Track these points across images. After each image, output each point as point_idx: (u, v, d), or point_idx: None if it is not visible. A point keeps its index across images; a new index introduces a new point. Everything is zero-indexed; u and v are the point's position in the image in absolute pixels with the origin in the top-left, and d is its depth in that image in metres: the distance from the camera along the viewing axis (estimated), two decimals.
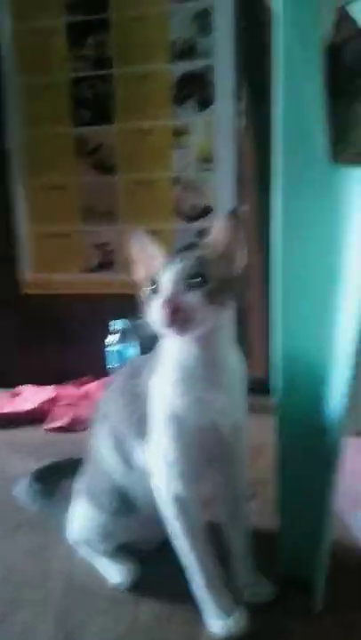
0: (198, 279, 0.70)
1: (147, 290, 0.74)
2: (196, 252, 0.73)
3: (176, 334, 0.70)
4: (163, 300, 0.69)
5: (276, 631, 0.78)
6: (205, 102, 1.75)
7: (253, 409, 0.99)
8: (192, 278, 0.70)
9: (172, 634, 0.79)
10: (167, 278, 0.70)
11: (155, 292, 0.72)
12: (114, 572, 0.90)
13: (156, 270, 0.73)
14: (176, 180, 1.82)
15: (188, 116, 1.77)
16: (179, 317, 0.68)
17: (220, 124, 1.74)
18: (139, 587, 0.88)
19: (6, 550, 1.01)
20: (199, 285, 0.70)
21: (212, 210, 1.80)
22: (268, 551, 0.87)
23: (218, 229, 0.75)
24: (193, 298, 0.69)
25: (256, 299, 1.77)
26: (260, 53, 1.63)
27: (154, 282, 0.73)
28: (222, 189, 1.77)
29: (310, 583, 0.81)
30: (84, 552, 0.95)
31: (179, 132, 1.79)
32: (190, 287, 0.70)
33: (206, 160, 1.78)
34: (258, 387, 1.15)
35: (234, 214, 0.74)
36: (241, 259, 0.75)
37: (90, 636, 0.79)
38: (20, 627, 0.81)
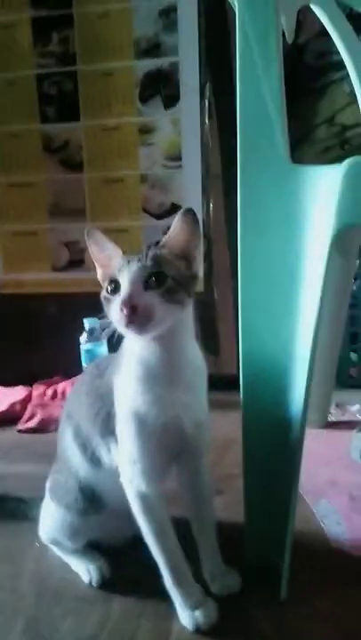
0: (156, 279, 0.70)
1: (106, 289, 0.74)
2: (154, 251, 0.73)
3: (135, 334, 0.71)
4: (121, 300, 0.69)
5: (243, 621, 0.80)
6: (171, 100, 1.75)
7: (223, 405, 1.01)
8: (150, 277, 0.70)
9: (143, 629, 0.80)
10: (125, 278, 0.71)
11: (114, 291, 0.72)
12: (84, 571, 0.91)
13: (114, 270, 0.73)
14: (143, 178, 1.83)
15: (154, 114, 1.77)
16: (137, 317, 0.68)
17: (186, 121, 1.75)
18: (111, 584, 0.89)
19: None
20: (157, 285, 0.70)
21: (179, 207, 1.81)
22: (235, 544, 0.89)
23: (175, 228, 0.75)
24: (151, 297, 0.70)
25: (226, 296, 1.79)
26: (224, 50, 1.65)
27: (112, 281, 0.73)
28: (190, 187, 1.78)
29: (276, 573, 0.83)
30: (56, 551, 0.96)
31: (145, 130, 1.79)
32: (148, 286, 0.70)
33: (173, 158, 1.79)
34: (228, 383, 1.17)
35: (190, 213, 0.74)
36: (199, 257, 0.76)
37: (61, 637, 0.79)
38: None
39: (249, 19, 0.82)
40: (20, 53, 1.83)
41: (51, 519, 0.94)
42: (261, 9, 0.82)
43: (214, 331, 1.80)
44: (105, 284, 0.75)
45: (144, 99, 1.77)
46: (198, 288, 1.80)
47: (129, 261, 0.72)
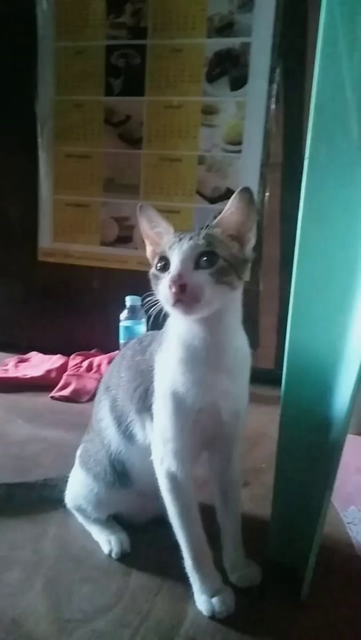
0: (207, 258, 0.69)
1: (155, 266, 0.73)
2: (207, 230, 0.71)
3: (182, 313, 0.69)
4: (170, 278, 0.68)
5: (260, 616, 0.79)
6: (238, 82, 1.71)
7: (257, 399, 0.99)
8: (201, 257, 0.69)
9: (159, 607, 0.80)
10: (176, 256, 0.69)
11: (163, 269, 0.71)
12: (105, 542, 0.92)
13: (164, 247, 0.72)
14: (201, 160, 1.80)
15: (220, 95, 1.73)
16: (186, 296, 0.67)
17: (251, 105, 1.70)
18: (130, 558, 0.90)
19: (1, 511, 1.02)
20: (208, 264, 0.69)
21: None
22: (258, 538, 0.88)
23: (230, 207, 0.73)
24: (201, 277, 0.68)
25: (271, 289, 1.75)
26: (300, 34, 1.58)
27: (162, 258, 0.72)
28: (247, 173, 1.74)
29: (298, 572, 0.82)
30: (80, 519, 0.97)
31: (208, 111, 1.76)
32: (199, 266, 0.69)
33: (233, 142, 1.75)
34: (266, 377, 1.15)
35: (247, 192, 0.71)
36: (253, 239, 0.74)
37: (77, 603, 0.81)
38: (8, 588, 0.83)
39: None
40: (92, 23, 1.82)
41: (78, 486, 0.95)
42: None
43: (256, 323, 1.77)
44: (154, 261, 0.74)
45: (211, 78, 1.73)
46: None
47: (180, 239, 0.71)
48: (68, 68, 1.87)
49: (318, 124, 0.78)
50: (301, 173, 0.77)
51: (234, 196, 0.72)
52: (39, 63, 1.90)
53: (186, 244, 0.69)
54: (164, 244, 0.73)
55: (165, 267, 0.71)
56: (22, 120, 1.95)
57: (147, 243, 0.79)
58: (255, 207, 0.73)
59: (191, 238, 0.70)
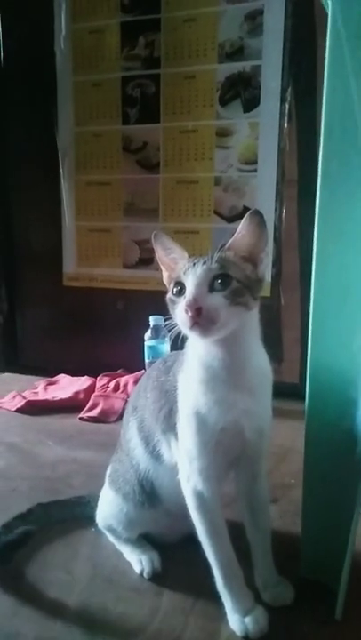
0: (221, 281, 0.70)
1: (172, 291, 0.75)
2: (219, 254, 0.73)
3: (199, 336, 0.71)
4: (186, 302, 0.69)
5: (294, 636, 0.78)
6: (251, 103, 1.74)
7: (283, 413, 0.99)
8: (215, 280, 0.70)
9: (192, 627, 0.80)
10: (190, 280, 0.71)
11: (179, 293, 0.73)
12: (136, 561, 0.93)
13: (179, 272, 0.74)
14: (217, 181, 1.83)
15: (233, 117, 1.78)
16: (202, 319, 0.68)
17: (264, 124, 1.74)
18: (163, 577, 0.90)
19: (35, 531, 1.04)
20: (222, 287, 0.70)
21: None
22: (290, 555, 0.87)
23: (241, 230, 0.75)
24: (216, 299, 0.70)
25: (293, 303, 1.76)
26: (309, 53, 1.62)
27: (178, 283, 0.74)
28: (263, 191, 1.76)
29: (331, 590, 0.81)
30: (112, 539, 0.98)
31: (222, 133, 1.80)
32: (213, 289, 0.70)
33: (248, 162, 1.78)
34: (290, 392, 1.15)
35: (257, 215, 0.73)
36: (265, 260, 0.76)
37: (111, 622, 0.82)
38: (43, 609, 0.84)
39: (343, 18, 0.79)
40: (108, 57, 1.90)
41: (108, 506, 0.97)
42: (356, 9, 0.80)
43: (279, 338, 1.77)
44: (170, 286, 0.76)
45: (224, 102, 1.78)
46: (265, 293, 1.79)
47: (194, 264, 0.73)
48: (86, 100, 1.95)
49: (329, 142, 0.80)
50: (316, 189, 0.79)
51: (245, 218, 0.74)
52: (59, 97, 1.98)
53: (200, 269, 0.71)
54: (179, 269, 0.75)
55: (181, 291, 0.73)
56: (44, 152, 2.03)
57: (163, 269, 0.82)
58: (266, 229, 0.74)
59: (205, 262, 0.72)
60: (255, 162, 1.77)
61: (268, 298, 1.74)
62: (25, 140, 2.08)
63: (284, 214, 1.75)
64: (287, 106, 1.70)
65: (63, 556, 0.97)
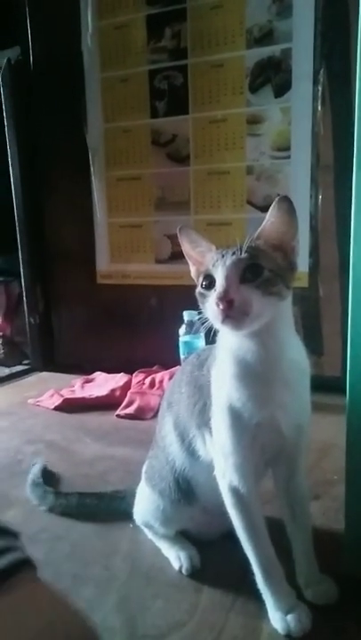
0: (253, 271, 0.68)
1: (201, 285, 0.73)
2: (249, 243, 0.71)
3: (232, 329, 0.69)
4: (216, 295, 0.67)
5: (338, 635, 0.75)
6: (282, 88, 1.69)
7: (324, 408, 0.96)
8: (245, 270, 0.68)
9: (232, 624, 0.78)
10: (220, 272, 0.69)
11: (209, 287, 0.71)
12: (175, 557, 0.92)
13: (208, 265, 0.72)
14: (249, 170, 1.79)
15: (264, 104, 1.73)
16: (234, 312, 0.66)
17: (297, 109, 1.68)
18: (202, 574, 0.89)
19: (73, 528, 1.05)
20: (253, 277, 0.68)
21: None
22: (333, 553, 0.84)
23: (270, 218, 0.72)
24: (247, 290, 0.67)
25: (332, 294, 1.70)
26: (342, 33, 1.55)
27: (207, 276, 0.71)
28: (298, 178, 1.71)
29: None
30: (150, 535, 0.98)
31: (253, 121, 1.76)
32: (244, 280, 0.68)
33: (281, 148, 1.73)
34: (332, 385, 1.11)
35: (285, 201, 0.70)
36: (296, 247, 0.73)
37: (151, 619, 0.81)
38: (83, 604, 0.84)
39: None
40: (134, 51, 1.89)
41: (145, 503, 0.96)
42: None
43: (318, 330, 1.72)
44: (200, 280, 0.74)
45: (254, 88, 1.73)
46: (302, 284, 1.74)
47: (223, 255, 0.70)
48: (114, 96, 1.95)
49: None
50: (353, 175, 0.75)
51: (273, 205, 0.71)
52: (87, 95, 1.99)
53: (229, 260, 0.69)
54: (208, 262, 0.73)
55: (211, 284, 0.71)
56: (75, 150, 2.05)
57: (190, 263, 0.80)
58: (295, 215, 0.71)
59: (234, 253, 0.69)
60: (288, 148, 1.72)
61: (306, 289, 1.69)
62: (55, 139, 2.10)
63: (320, 202, 1.69)
64: (320, 88, 1.64)
65: (101, 552, 0.97)
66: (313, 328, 1.70)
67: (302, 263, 1.67)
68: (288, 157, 1.72)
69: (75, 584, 0.89)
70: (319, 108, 1.65)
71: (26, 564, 0.45)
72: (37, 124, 2.12)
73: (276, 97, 1.71)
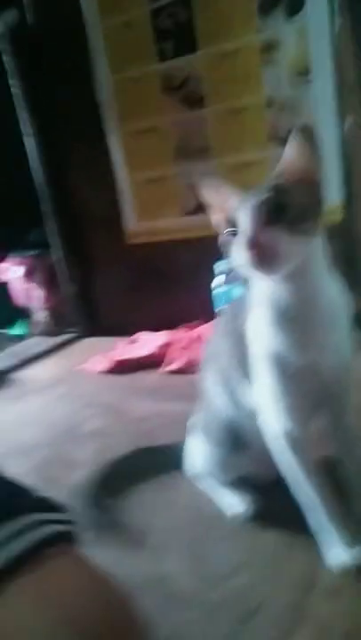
0: (278, 211, 0.64)
1: (226, 233, 0.70)
2: (271, 182, 0.67)
3: (263, 274, 0.66)
4: (244, 241, 0.65)
5: None
6: (295, 6, 1.55)
7: None
8: (271, 211, 0.65)
9: (293, 562, 0.81)
10: (244, 216, 0.66)
11: (235, 233, 0.68)
12: (235, 503, 0.94)
13: (232, 210, 0.69)
14: (269, 102, 1.68)
15: (277, 27, 1.59)
16: (263, 256, 0.64)
17: (314, 27, 1.54)
18: (260, 518, 0.91)
19: (132, 474, 1.08)
20: (280, 217, 0.64)
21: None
22: None
23: (289, 151, 0.67)
24: (275, 232, 0.64)
25: None
26: None
27: (232, 223, 0.69)
28: (323, 103, 1.59)
29: None
30: (203, 486, 1.00)
31: (267, 48, 1.63)
32: (271, 221, 0.65)
33: (301, 74, 1.61)
34: None
35: (305, 130, 0.66)
36: (323, 179, 0.68)
37: (217, 559, 0.85)
38: (150, 551, 0.89)
39: None
40: None
41: (200, 454, 0.98)
42: None
43: (356, 264, 1.65)
44: (223, 228, 0.71)
45: (264, 11, 1.59)
46: (335, 218, 1.65)
47: (245, 198, 0.67)
48: (118, 43, 1.85)
49: None
50: None
51: (291, 137, 0.66)
52: (90, 46, 1.90)
53: (252, 202, 0.66)
54: (230, 207, 0.70)
55: (236, 230, 0.68)
56: (86, 108, 1.98)
57: (211, 211, 0.77)
58: (316, 144, 0.66)
59: (256, 195, 0.66)
60: (308, 72, 1.59)
61: (341, 223, 1.61)
62: (66, 101, 2.04)
63: (349, 125, 1.57)
64: (338, 1, 1.48)
65: (161, 505, 1.01)
66: (350, 265, 1.62)
67: (334, 195, 1.59)
68: (309, 82, 1.60)
69: (137, 536, 0.93)
70: (339, 23, 1.50)
71: (65, 538, 0.43)
72: (46, 86, 2.06)
73: (289, 16, 1.57)
